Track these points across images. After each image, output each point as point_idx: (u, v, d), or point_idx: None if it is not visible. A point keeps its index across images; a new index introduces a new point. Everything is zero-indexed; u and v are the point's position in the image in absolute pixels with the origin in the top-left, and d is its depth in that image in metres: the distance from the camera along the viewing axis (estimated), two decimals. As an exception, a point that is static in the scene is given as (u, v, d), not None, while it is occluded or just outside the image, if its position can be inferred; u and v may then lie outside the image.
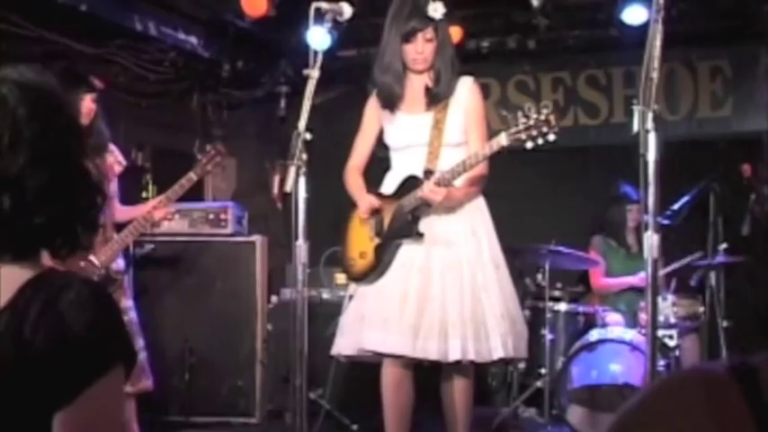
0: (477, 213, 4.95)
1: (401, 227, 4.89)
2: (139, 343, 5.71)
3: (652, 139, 3.57)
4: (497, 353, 4.74)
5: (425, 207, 4.82)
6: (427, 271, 4.78)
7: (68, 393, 1.64)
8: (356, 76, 8.67)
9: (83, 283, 1.73)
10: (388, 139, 5.08)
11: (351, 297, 5.11)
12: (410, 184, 4.86)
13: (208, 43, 8.05)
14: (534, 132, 4.39)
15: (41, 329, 1.64)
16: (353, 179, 5.18)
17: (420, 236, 4.81)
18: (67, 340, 1.64)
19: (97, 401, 1.66)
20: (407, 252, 4.85)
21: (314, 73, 4.54)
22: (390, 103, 5.00)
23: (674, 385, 0.94)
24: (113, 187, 5.74)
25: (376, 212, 5.01)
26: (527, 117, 4.40)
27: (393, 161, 5.11)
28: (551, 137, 4.41)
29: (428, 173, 4.79)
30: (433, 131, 4.87)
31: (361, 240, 5.06)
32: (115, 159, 5.78)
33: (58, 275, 1.75)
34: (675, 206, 6.60)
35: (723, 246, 6.52)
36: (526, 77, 8.53)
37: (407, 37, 4.83)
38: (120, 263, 5.67)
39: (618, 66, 8.20)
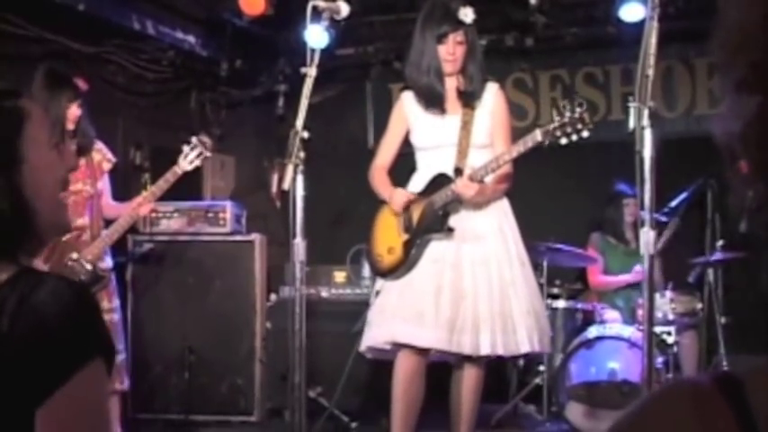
0: (503, 215, 5.05)
1: (432, 222, 4.95)
2: (119, 345, 5.72)
3: (648, 135, 3.59)
4: (524, 347, 4.85)
5: (456, 203, 4.90)
6: (459, 266, 4.86)
7: (47, 387, 1.65)
8: (354, 75, 8.72)
9: (58, 280, 1.75)
10: (416, 140, 5.14)
11: (377, 293, 5.15)
12: (440, 181, 4.93)
13: (206, 42, 8.06)
14: (569, 129, 4.49)
15: (18, 324, 1.66)
16: (380, 177, 5.23)
17: (451, 231, 4.89)
18: (43, 334, 1.66)
19: (77, 395, 1.67)
20: (438, 247, 4.92)
21: (311, 71, 4.56)
22: (434, 102, 5.03)
23: (662, 398, 0.95)
24: (101, 185, 5.74)
25: (405, 209, 5.05)
26: (561, 114, 4.50)
27: (419, 161, 5.16)
28: (585, 133, 4.52)
29: (458, 171, 4.87)
30: (461, 132, 4.96)
31: (389, 236, 5.11)
32: (103, 157, 5.77)
33: (35, 274, 1.78)
34: (673, 203, 6.61)
35: (720, 242, 6.53)
36: (524, 75, 8.54)
37: (439, 39, 4.92)
38: (108, 261, 5.67)
39: (615, 63, 8.21)
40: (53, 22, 6.71)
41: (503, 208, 5.05)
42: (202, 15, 7.83)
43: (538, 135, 4.54)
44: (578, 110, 4.49)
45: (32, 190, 1.82)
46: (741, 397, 0.88)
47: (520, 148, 4.64)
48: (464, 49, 4.95)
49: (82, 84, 5.57)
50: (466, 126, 4.95)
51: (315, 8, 4.60)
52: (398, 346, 4.87)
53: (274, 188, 8.89)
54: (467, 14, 4.89)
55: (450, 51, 4.92)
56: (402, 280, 4.97)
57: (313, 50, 4.59)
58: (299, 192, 4.48)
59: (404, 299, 4.89)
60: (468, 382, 5.00)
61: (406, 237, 5.03)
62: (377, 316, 5.03)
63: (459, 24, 4.90)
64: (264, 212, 8.43)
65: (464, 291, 4.81)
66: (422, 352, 4.85)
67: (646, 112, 3.56)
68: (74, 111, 5.43)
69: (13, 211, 1.78)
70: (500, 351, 4.78)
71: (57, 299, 1.69)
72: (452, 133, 4.97)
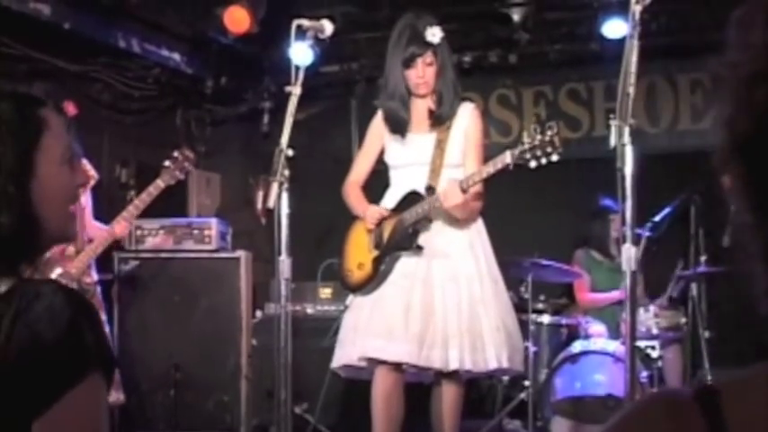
0: (475, 232, 5.05)
1: (401, 239, 4.97)
2: None
3: (629, 152, 3.62)
4: (492, 363, 4.85)
5: (426, 221, 4.93)
6: (429, 282, 4.87)
7: (43, 402, 1.65)
8: (339, 92, 8.75)
9: (56, 291, 1.73)
10: (389, 158, 5.17)
11: (346, 308, 5.17)
12: (411, 199, 4.96)
13: (191, 60, 8.07)
14: (539, 152, 4.49)
15: (13, 340, 1.66)
16: (354, 193, 5.26)
17: (419, 249, 4.90)
18: (39, 350, 1.66)
19: (74, 409, 1.67)
20: (408, 264, 4.94)
21: (296, 90, 4.58)
22: (398, 127, 5.08)
23: (640, 410, 0.97)
24: (84, 201, 5.74)
25: (376, 225, 5.07)
26: (532, 137, 4.50)
27: (393, 179, 5.18)
28: (555, 157, 4.51)
29: (430, 189, 4.90)
30: (435, 151, 4.97)
31: (359, 252, 5.13)
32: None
33: (32, 285, 1.77)
34: (657, 218, 6.63)
35: (704, 257, 6.56)
36: (508, 92, 8.57)
37: (408, 63, 4.92)
38: (93, 275, 5.69)
39: (599, 79, 8.24)
40: (39, 40, 6.72)
41: (475, 225, 5.06)
42: (188, 33, 7.84)
43: (507, 157, 4.56)
44: (549, 133, 4.48)
45: (41, 202, 1.83)
46: (716, 407, 0.90)
47: (489, 169, 4.66)
48: (434, 70, 4.95)
49: (71, 109, 5.58)
50: (440, 145, 4.97)
51: (299, 27, 4.62)
52: (372, 363, 4.89)
53: (260, 205, 8.89)
54: (434, 34, 4.88)
55: (420, 75, 4.93)
56: (373, 296, 4.99)
57: (297, 68, 4.61)
58: (284, 209, 4.50)
59: (374, 315, 4.91)
60: (447, 400, 4.99)
61: (376, 253, 5.06)
62: (350, 333, 5.03)
63: (427, 46, 4.89)
64: (250, 229, 8.43)
65: (434, 307, 4.82)
66: (398, 369, 4.87)
67: (626, 130, 3.59)
68: None
69: (21, 224, 1.79)
70: (468, 366, 4.78)
71: (52, 315, 1.68)
72: (425, 152, 4.99)
